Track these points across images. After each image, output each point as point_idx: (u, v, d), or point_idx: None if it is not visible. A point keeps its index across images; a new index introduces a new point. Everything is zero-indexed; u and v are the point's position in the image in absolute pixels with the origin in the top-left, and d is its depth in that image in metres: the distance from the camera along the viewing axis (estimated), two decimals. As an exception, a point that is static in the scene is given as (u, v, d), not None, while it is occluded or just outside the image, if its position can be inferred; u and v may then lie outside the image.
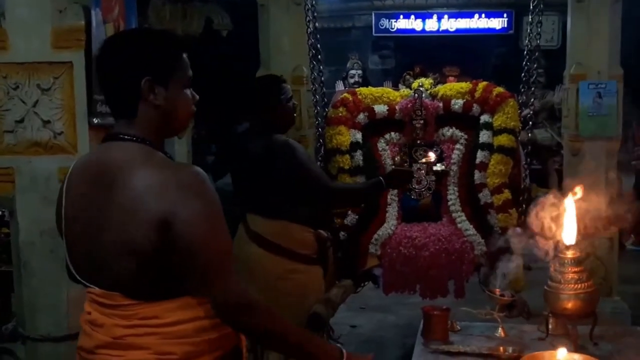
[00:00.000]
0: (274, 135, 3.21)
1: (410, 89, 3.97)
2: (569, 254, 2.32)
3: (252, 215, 3.25)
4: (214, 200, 1.67)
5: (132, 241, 1.63)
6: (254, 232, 3.22)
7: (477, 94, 3.89)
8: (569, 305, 2.30)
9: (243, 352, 1.87)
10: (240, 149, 3.39)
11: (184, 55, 1.81)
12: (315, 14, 4.03)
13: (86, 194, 1.71)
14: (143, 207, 1.61)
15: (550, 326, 2.52)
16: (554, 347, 2.28)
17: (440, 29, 10.02)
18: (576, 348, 2.33)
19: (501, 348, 2.47)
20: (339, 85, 8.80)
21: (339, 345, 1.94)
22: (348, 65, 9.06)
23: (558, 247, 2.37)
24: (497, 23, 10.00)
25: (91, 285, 1.74)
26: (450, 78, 8.09)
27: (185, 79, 1.79)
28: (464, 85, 3.99)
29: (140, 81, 1.71)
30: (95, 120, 2.97)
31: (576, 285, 2.29)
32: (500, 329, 2.66)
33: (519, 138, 3.99)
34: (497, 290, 2.77)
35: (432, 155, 3.66)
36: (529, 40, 4.02)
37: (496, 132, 3.84)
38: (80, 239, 1.74)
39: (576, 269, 2.31)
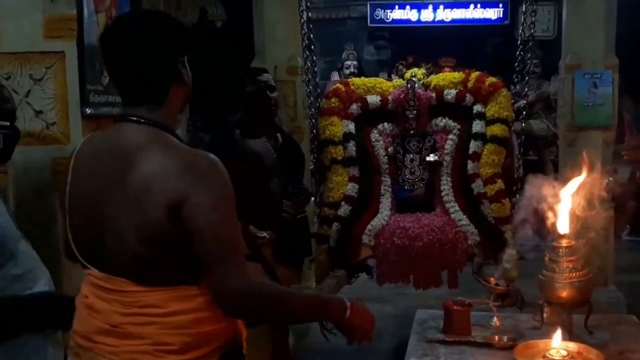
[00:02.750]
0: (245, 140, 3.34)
1: (403, 79, 3.95)
2: (564, 242, 2.31)
3: None
4: (226, 186, 1.67)
5: (145, 222, 1.62)
6: None
7: (469, 84, 3.88)
8: (564, 293, 2.29)
9: (243, 345, 1.86)
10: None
11: None
12: (309, 4, 4.00)
13: (98, 174, 1.69)
14: (157, 189, 1.60)
15: (545, 315, 2.51)
16: (548, 336, 2.28)
17: (436, 20, 10.00)
18: (571, 337, 2.32)
19: (496, 337, 2.47)
20: (335, 76, 8.79)
21: (341, 297, 2.02)
22: (343, 56, 9.05)
23: (552, 234, 2.36)
24: (492, 13, 9.98)
25: (92, 268, 1.72)
26: (446, 69, 8.06)
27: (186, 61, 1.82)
28: (457, 75, 3.97)
29: (177, 62, 1.73)
30: (88, 110, 2.96)
31: (571, 274, 2.29)
32: (495, 318, 2.66)
33: (513, 128, 3.99)
34: (492, 279, 2.76)
35: None
36: (522, 30, 4.00)
37: (489, 122, 3.83)
38: (86, 218, 1.71)
39: (571, 258, 2.30)
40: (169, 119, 1.75)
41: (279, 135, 3.71)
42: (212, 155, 1.69)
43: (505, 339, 2.44)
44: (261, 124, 3.42)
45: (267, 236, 3.15)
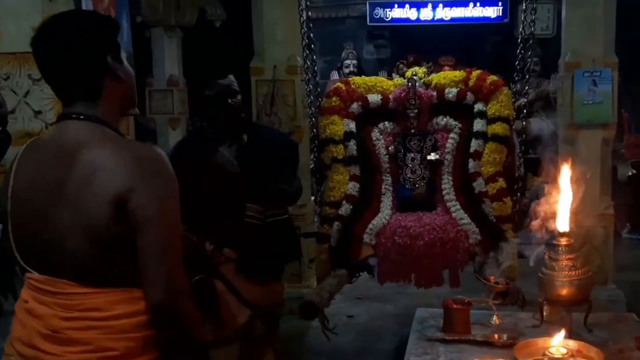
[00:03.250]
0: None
1: (404, 78, 3.95)
2: (563, 241, 2.32)
3: None
4: (171, 181, 1.66)
5: (87, 217, 1.60)
6: None
7: (470, 83, 3.88)
8: (563, 292, 2.30)
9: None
10: None
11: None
12: (308, 3, 4.00)
13: (40, 174, 1.68)
14: (101, 185, 1.59)
15: (544, 313, 2.52)
16: (548, 334, 2.28)
17: (435, 18, 9.99)
18: (570, 335, 2.33)
19: (496, 335, 2.47)
20: (334, 75, 8.79)
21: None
22: (343, 55, 9.05)
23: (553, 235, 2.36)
24: (492, 12, 9.97)
25: (33, 271, 1.69)
26: (446, 68, 8.06)
27: (129, 55, 1.92)
28: (458, 74, 3.97)
29: (106, 58, 1.73)
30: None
31: (570, 272, 2.29)
32: (495, 316, 2.66)
33: (513, 127, 3.98)
34: (492, 277, 2.77)
35: None
36: (523, 28, 4.00)
37: (490, 121, 3.82)
38: (29, 219, 1.68)
39: (570, 256, 2.30)
40: (109, 114, 1.74)
41: (244, 136, 3.46)
42: (158, 149, 1.70)
43: (504, 337, 2.45)
44: (221, 129, 3.32)
45: (225, 255, 3.10)
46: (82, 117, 1.70)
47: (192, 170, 3.05)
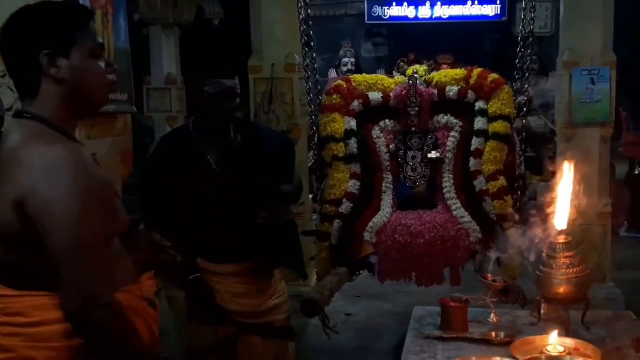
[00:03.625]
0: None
1: (405, 76, 3.95)
2: (561, 239, 2.32)
3: None
4: (83, 182, 1.53)
5: None
6: None
7: (472, 81, 3.88)
8: (561, 290, 2.30)
9: None
10: None
11: (90, 24, 1.74)
12: (307, 1, 4.00)
13: None
14: (7, 184, 1.53)
15: (542, 311, 2.52)
16: (546, 332, 2.29)
17: (434, 16, 10.00)
18: (568, 333, 2.34)
19: (493, 333, 2.48)
20: (332, 73, 8.80)
21: None
22: (341, 53, 9.05)
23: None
24: (490, 10, 9.98)
25: None
26: (444, 66, 8.07)
27: (91, 48, 1.70)
28: (459, 72, 3.96)
29: (39, 56, 1.64)
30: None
31: (568, 270, 2.29)
32: (492, 314, 2.67)
33: (514, 125, 3.99)
34: (490, 275, 2.77)
35: None
36: (522, 26, 4.00)
37: (491, 119, 3.82)
38: None
39: (568, 254, 2.31)
40: (53, 114, 1.65)
41: (238, 136, 3.32)
42: (75, 148, 1.60)
43: (502, 335, 2.45)
44: (208, 130, 3.18)
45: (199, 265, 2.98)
46: (24, 115, 1.65)
47: (176, 174, 3.04)
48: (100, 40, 1.75)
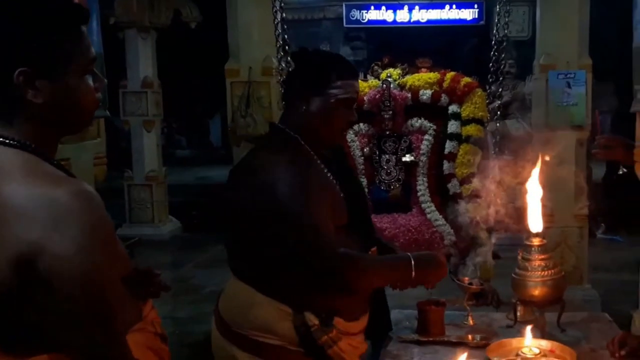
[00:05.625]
0: (279, 150, 2.15)
1: (379, 80, 3.95)
2: (536, 241, 2.32)
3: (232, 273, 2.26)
4: (98, 229, 1.28)
5: None
6: (217, 305, 2.28)
7: (445, 84, 3.90)
8: (536, 292, 2.30)
9: None
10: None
11: (81, 30, 1.39)
12: (283, 4, 3.99)
13: None
14: (2, 234, 1.23)
15: (518, 314, 2.52)
16: (522, 334, 2.28)
17: (412, 20, 10.06)
18: (544, 335, 2.33)
19: (469, 336, 2.47)
20: (311, 77, 8.79)
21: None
22: (319, 57, 9.05)
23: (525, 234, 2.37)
24: (468, 14, 10.06)
25: None
26: (423, 69, 8.09)
27: (81, 63, 1.38)
28: (432, 76, 3.99)
29: (12, 74, 1.29)
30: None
31: (543, 272, 2.29)
32: (469, 317, 2.66)
33: (487, 128, 4.01)
34: (466, 278, 2.77)
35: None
36: (497, 30, 4.03)
37: (464, 122, 3.84)
38: None
39: (543, 256, 2.31)
40: (36, 137, 1.35)
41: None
42: (82, 186, 1.30)
43: (478, 337, 2.45)
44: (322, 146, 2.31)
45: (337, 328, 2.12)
46: (6, 141, 1.32)
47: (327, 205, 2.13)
48: (94, 53, 1.42)
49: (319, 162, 2.20)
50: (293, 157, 2.11)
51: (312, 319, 2.06)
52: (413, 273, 2.22)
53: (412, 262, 2.21)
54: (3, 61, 1.30)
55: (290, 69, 4.01)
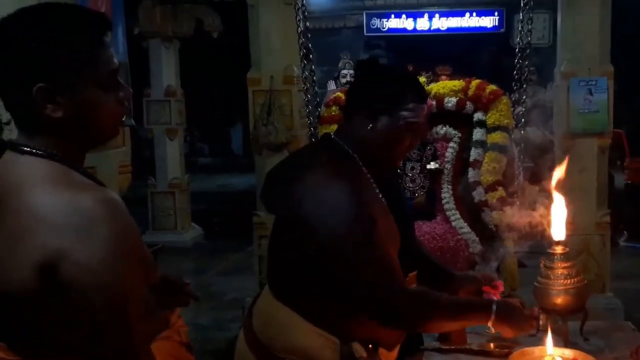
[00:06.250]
0: (335, 170, 1.97)
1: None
2: (558, 249, 2.32)
3: (266, 288, 2.14)
4: (123, 237, 1.26)
5: (8, 281, 1.24)
6: (249, 319, 2.14)
7: (470, 92, 3.90)
8: (559, 300, 2.29)
9: None
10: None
11: (104, 40, 1.36)
12: (306, 14, 4.03)
13: None
14: (26, 241, 1.22)
15: (541, 322, 2.52)
16: (544, 343, 2.28)
17: (432, 28, 10.05)
18: (567, 343, 2.32)
19: (491, 344, 2.47)
20: (331, 85, 8.81)
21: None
22: (340, 65, 9.07)
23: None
24: (488, 21, 10.03)
25: None
26: (443, 77, 8.09)
27: (102, 75, 1.35)
28: (457, 84, 3.99)
29: (32, 89, 1.28)
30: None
31: (565, 281, 2.28)
32: (491, 325, 2.66)
33: (512, 136, 4.00)
34: (489, 287, 2.77)
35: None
36: (520, 38, 4.03)
37: (489, 130, 3.85)
38: None
39: (565, 264, 2.30)
40: (61, 147, 1.34)
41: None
42: (108, 193, 1.29)
43: (500, 346, 2.45)
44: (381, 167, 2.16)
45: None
46: (27, 149, 1.32)
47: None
48: (116, 62, 1.38)
49: (374, 185, 2.05)
50: (353, 182, 1.94)
51: (360, 351, 1.96)
52: (491, 322, 2.08)
53: (493, 312, 2.06)
54: (22, 77, 1.29)
55: (314, 77, 4.03)
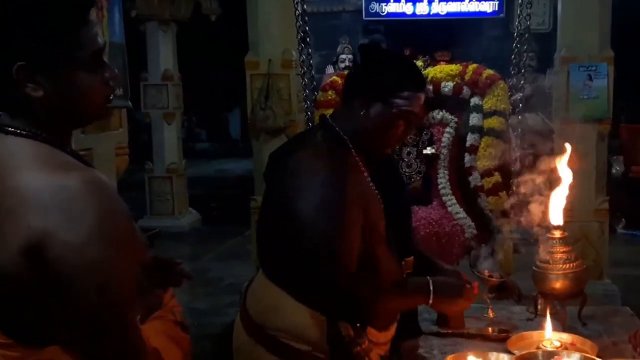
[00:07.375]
0: (318, 151, 2.00)
1: (400, 72, 3.94)
2: (557, 234, 2.31)
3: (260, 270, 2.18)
4: (109, 218, 1.24)
5: None
6: (244, 301, 2.17)
7: (467, 77, 3.88)
8: (557, 285, 2.29)
9: None
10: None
11: (87, 19, 1.33)
12: (304, -3, 3.99)
13: None
14: (12, 222, 1.20)
15: (539, 307, 2.52)
16: (542, 327, 2.28)
17: (431, 13, 9.97)
18: (565, 328, 2.33)
19: (490, 328, 2.47)
20: (329, 70, 8.79)
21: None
22: (338, 49, 9.04)
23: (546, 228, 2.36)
24: (487, 6, 9.96)
25: None
26: (442, 62, 8.06)
27: (85, 54, 1.32)
28: (454, 68, 3.97)
29: (11, 69, 1.26)
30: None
31: (564, 265, 2.28)
32: (489, 309, 2.66)
33: (509, 121, 3.99)
34: (486, 271, 2.76)
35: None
36: (518, 22, 4.00)
37: (486, 115, 3.83)
38: None
39: (564, 249, 2.30)
40: (45, 127, 1.32)
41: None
42: (95, 174, 1.28)
43: (498, 330, 2.45)
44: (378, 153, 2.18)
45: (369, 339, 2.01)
46: (10, 129, 1.30)
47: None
48: (101, 41, 1.36)
49: (362, 169, 2.04)
50: (334, 165, 1.94)
51: (347, 330, 1.95)
52: (430, 301, 2.04)
53: (431, 289, 2.02)
54: (1, 56, 1.27)
55: (311, 61, 4.02)
